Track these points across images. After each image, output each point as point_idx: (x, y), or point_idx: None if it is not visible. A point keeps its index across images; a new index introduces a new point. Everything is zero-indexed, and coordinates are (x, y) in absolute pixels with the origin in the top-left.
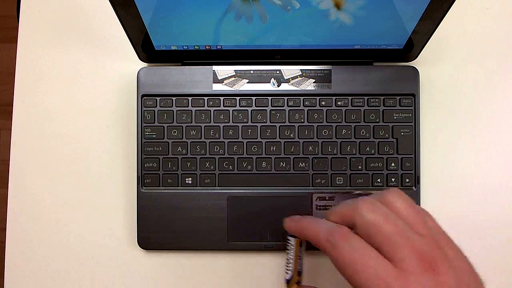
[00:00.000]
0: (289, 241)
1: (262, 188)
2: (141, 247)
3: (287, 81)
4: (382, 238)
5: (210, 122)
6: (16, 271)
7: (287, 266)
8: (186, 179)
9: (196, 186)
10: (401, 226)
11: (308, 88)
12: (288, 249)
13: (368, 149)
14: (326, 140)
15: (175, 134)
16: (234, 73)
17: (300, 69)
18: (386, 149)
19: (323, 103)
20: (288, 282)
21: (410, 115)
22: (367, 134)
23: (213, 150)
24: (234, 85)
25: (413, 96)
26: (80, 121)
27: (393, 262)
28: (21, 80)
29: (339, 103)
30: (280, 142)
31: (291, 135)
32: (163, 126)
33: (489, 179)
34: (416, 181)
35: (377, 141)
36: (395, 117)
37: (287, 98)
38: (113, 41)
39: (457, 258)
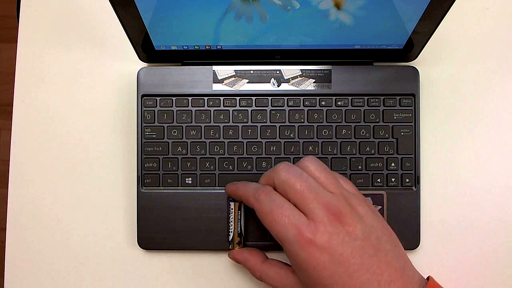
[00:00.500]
0: (230, 206)
1: None
2: (141, 247)
3: (287, 81)
4: (295, 194)
5: (210, 122)
6: (16, 271)
7: (229, 229)
8: (186, 179)
9: (196, 186)
10: (312, 184)
11: (308, 88)
12: (229, 213)
13: (368, 149)
14: (326, 140)
15: (175, 134)
16: (234, 73)
17: (300, 69)
18: (386, 149)
19: (323, 103)
20: (230, 243)
21: (410, 115)
22: (367, 134)
23: (213, 150)
24: (234, 85)
25: (413, 96)
26: (80, 121)
27: (306, 215)
28: (21, 80)
29: (339, 103)
30: (280, 142)
31: (291, 135)
32: (163, 126)
33: (489, 179)
34: (416, 181)
35: (377, 141)
36: (395, 117)
37: (287, 98)
38: (113, 41)
39: (367, 215)
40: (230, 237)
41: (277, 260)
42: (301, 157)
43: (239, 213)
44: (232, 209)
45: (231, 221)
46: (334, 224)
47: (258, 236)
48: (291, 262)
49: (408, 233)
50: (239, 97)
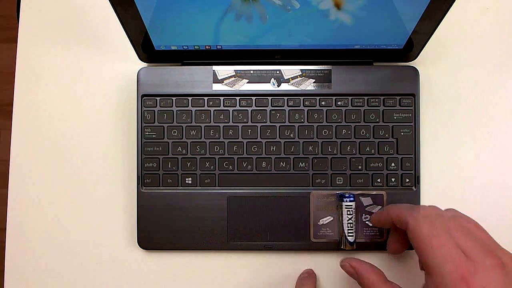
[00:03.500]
0: (343, 206)
1: (262, 188)
2: (141, 247)
3: (287, 81)
4: (454, 232)
5: (210, 122)
6: (16, 271)
7: (344, 228)
8: (186, 179)
9: (196, 186)
10: (469, 229)
11: (308, 88)
12: (342, 214)
13: (368, 149)
14: (326, 140)
15: (175, 134)
16: (234, 73)
17: (300, 69)
18: (386, 149)
19: (323, 103)
20: (342, 242)
21: (410, 115)
22: (367, 134)
23: (213, 150)
24: (234, 85)
25: (413, 96)
26: (80, 121)
27: (465, 254)
28: (21, 80)
29: (339, 103)
30: (280, 142)
31: (291, 135)
32: (163, 126)
33: (489, 179)
34: (416, 181)
35: (377, 141)
36: (395, 117)
37: (287, 98)
38: (113, 41)
39: None
40: (353, 238)
41: (399, 286)
42: (301, 157)
43: (353, 215)
44: (350, 207)
45: (348, 221)
46: (495, 271)
47: (258, 236)
48: None
49: None
50: (239, 97)
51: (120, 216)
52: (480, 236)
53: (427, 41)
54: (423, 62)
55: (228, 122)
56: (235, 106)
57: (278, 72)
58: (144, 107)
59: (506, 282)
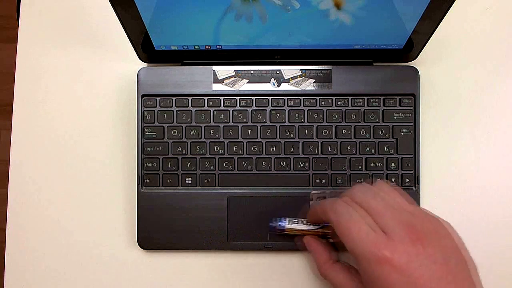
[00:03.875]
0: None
1: (262, 188)
2: (141, 247)
3: (287, 81)
4: (372, 212)
5: (210, 122)
6: (16, 271)
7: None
8: (186, 179)
9: (196, 186)
10: (390, 202)
11: (308, 88)
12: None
13: (368, 149)
14: (326, 140)
15: (175, 134)
16: (234, 73)
17: (300, 69)
18: (386, 149)
19: (323, 103)
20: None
21: (410, 115)
22: (367, 134)
23: (213, 150)
24: (234, 85)
25: (413, 96)
26: (80, 121)
27: (384, 232)
28: (21, 80)
29: (339, 103)
30: (280, 142)
31: (291, 135)
32: (163, 126)
33: (489, 179)
34: (416, 181)
35: (377, 141)
36: (395, 117)
37: (287, 98)
38: (113, 41)
39: (447, 238)
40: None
41: (348, 265)
42: (301, 157)
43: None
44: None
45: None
46: (415, 245)
47: (258, 236)
48: (363, 277)
49: None
50: (239, 97)
51: (120, 216)
52: (402, 208)
53: (427, 41)
54: (423, 62)
55: (228, 122)
56: (235, 106)
57: (278, 72)
58: (144, 107)
59: (428, 253)
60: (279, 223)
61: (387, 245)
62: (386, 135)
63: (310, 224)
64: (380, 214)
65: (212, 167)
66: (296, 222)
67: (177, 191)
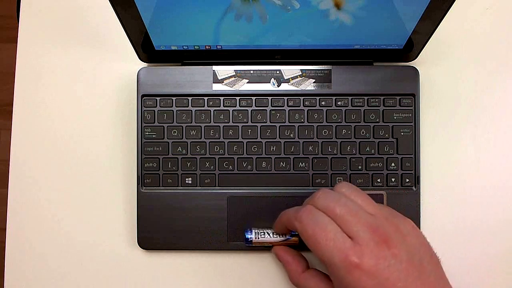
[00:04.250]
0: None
1: (262, 188)
2: (141, 247)
3: (287, 81)
4: (336, 218)
5: (210, 122)
6: (16, 271)
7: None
8: (186, 179)
9: (196, 186)
10: (352, 207)
11: (308, 88)
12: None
13: (368, 149)
14: (326, 140)
15: (175, 134)
16: (234, 73)
17: (300, 69)
18: (386, 149)
19: (323, 103)
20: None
21: (410, 115)
22: (367, 134)
23: (213, 150)
24: (234, 85)
25: (413, 96)
26: (80, 121)
27: (350, 238)
28: (21, 80)
29: (339, 103)
30: (280, 142)
31: (291, 135)
32: (163, 126)
33: (489, 179)
34: (416, 181)
35: (377, 141)
36: (395, 117)
37: (287, 98)
38: (113, 41)
39: (409, 234)
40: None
41: (318, 271)
42: (301, 157)
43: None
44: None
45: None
46: (380, 247)
47: None
48: (335, 283)
49: None
50: (239, 97)
51: (120, 216)
52: (364, 210)
53: (427, 41)
54: (423, 62)
55: (228, 122)
56: (235, 106)
57: (278, 72)
58: (144, 107)
59: (393, 253)
60: (246, 235)
61: (354, 250)
62: (386, 135)
63: (276, 235)
64: (344, 219)
65: (212, 167)
66: (262, 235)
67: (177, 191)
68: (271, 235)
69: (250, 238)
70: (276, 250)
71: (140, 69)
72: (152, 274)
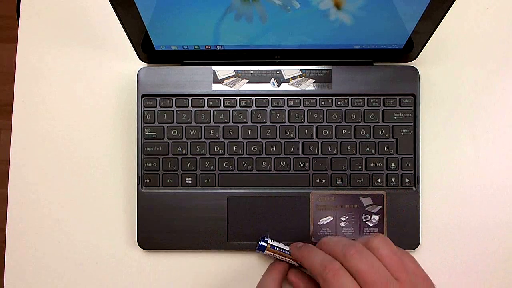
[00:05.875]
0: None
1: (262, 188)
2: (141, 247)
3: (287, 81)
4: (365, 285)
5: (210, 122)
6: (16, 271)
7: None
8: (186, 179)
9: (196, 186)
10: (383, 274)
11: (308, 88)
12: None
13: (368, 149)
14: (326, 140)
15: (175, 134)
16: (234, 73)
17: (300, 69)
18: (386, 149)
19: (323, 103)
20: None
21: (410, 115)
22: (367, 134)
23: (213, 150)
24: (234, 85)
25: (413, 96)
26: (80, 121)
27: None
28: (21, 80)
29: (339, 103)
30: (280, 142)
31: (291, 135)
32: (163, 126)
33: (489, 179)
34: (416, 181)
35: (377, 141)
36: (395, 117)
37: (287, 98)
38: (113, 41)
39: None
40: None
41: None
42: (301, 157)
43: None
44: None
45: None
46: None
47: (258, 236)
48: None
49: (408, 233)
50: (239, 97)
51: (120, 216)
52: (395, 275)
53: (427, 41)
54: (423, 62)
55: (228, 122)
56: (235, 106)
57: (278, 72)
58: (144, 107)
59: None
60: (261, 243)
61: None
62: (386, 135)
63: (291, 258)
64: (367, 281)
65: (212, 167)
66: (278, 250)
67: (177, 191)
68: (285, 254)
69: (265, 245)
70: (291, 278)
71: (140, 69)
72: (152, 274)
